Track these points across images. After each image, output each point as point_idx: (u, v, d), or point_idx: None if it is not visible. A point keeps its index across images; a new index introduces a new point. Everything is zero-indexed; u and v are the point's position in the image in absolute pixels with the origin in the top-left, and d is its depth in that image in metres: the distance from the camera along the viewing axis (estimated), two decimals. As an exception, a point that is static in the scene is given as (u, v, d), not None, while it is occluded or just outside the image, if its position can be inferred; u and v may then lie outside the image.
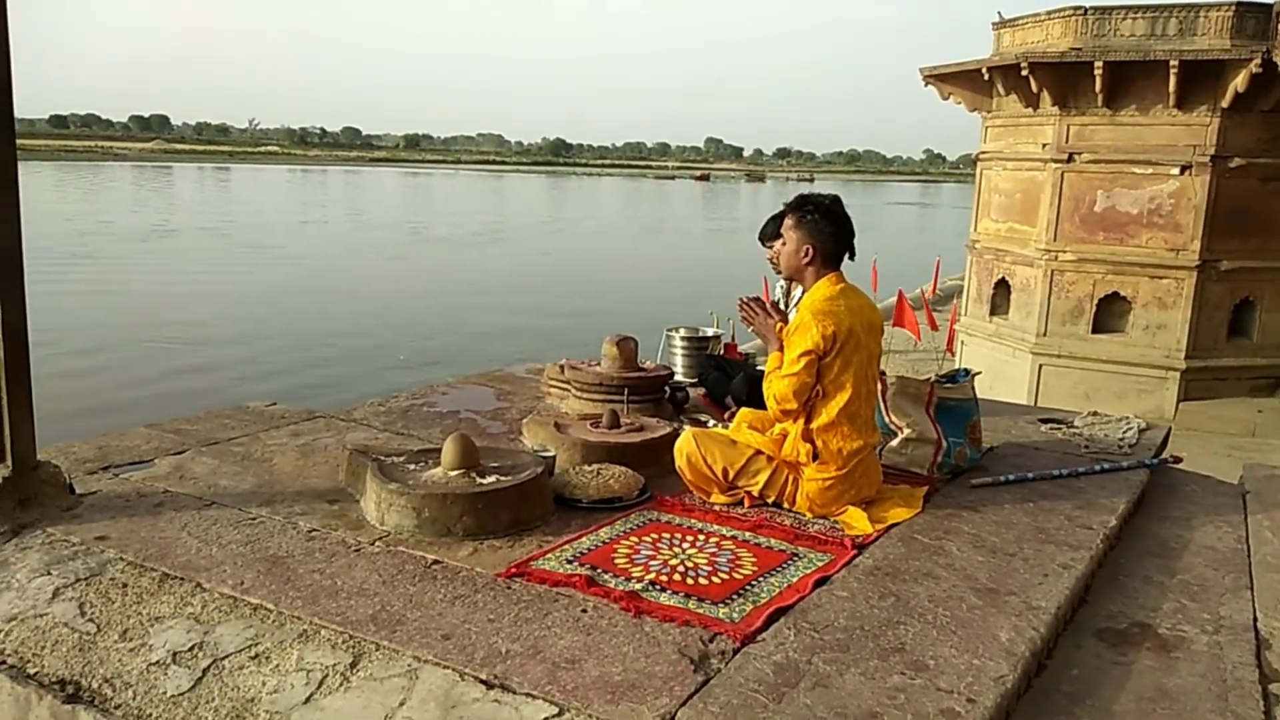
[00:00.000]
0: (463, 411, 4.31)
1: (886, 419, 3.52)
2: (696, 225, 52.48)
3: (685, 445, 3.21)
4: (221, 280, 24.84)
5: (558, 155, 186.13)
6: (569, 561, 2.61)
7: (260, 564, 2.53)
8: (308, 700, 2.00)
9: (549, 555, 2.65)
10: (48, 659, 2.25)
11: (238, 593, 2.37)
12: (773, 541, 2.83)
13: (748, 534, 2.88)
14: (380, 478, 2.89)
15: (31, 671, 2.23)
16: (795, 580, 2.54)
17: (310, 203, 57.51)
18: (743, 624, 2.27)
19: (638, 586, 2.45)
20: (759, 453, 3.15)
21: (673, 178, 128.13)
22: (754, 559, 2.68)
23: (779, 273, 4.12)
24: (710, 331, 5.33)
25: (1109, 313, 11.89)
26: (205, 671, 2.12)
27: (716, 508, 3.11)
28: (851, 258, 3.23)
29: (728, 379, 4.48)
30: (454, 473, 2.97)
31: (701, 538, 2.83)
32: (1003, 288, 12.98)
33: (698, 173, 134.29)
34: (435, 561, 2.59)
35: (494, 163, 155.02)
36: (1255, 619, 2.59)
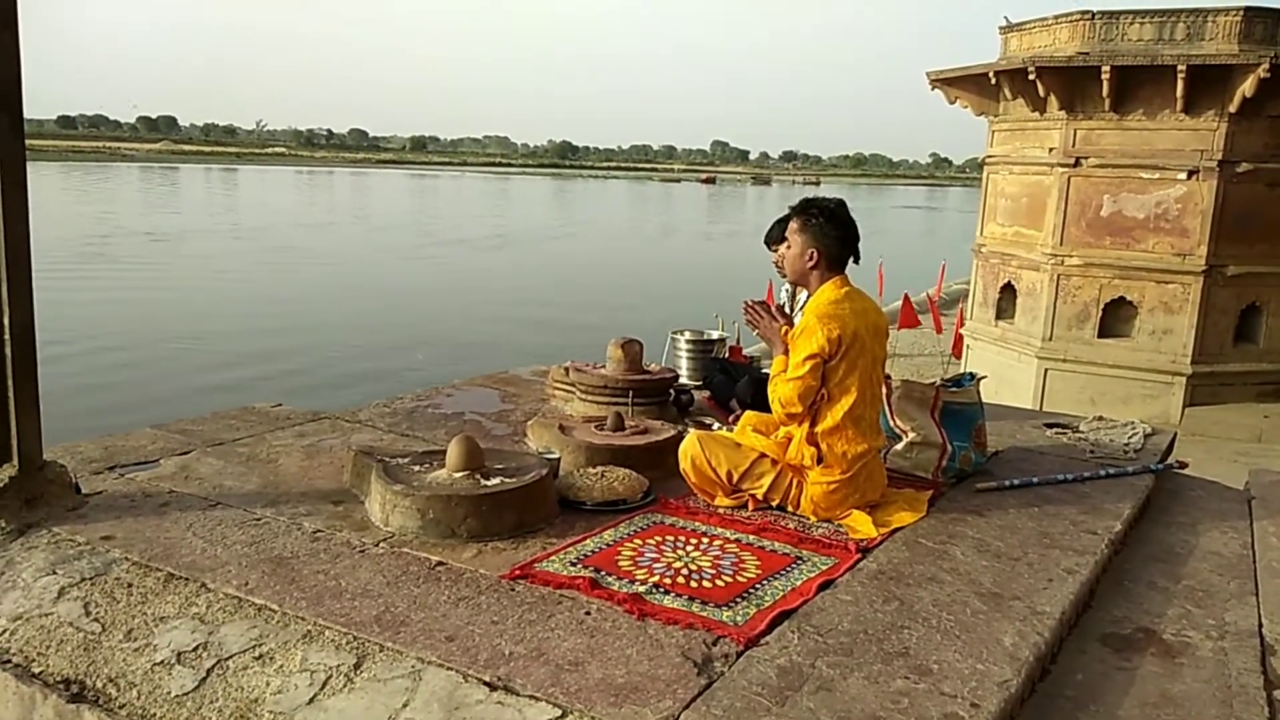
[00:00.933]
0: (467, 413, 4.31)
1: (891, 423, 3.52)
2: (702, 228, 52.48)
3: (690, 448, 3.21)
4: (239, 283, 24.89)
5: (564, 158, 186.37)
6: (573, 564, 2.61)
7: (265, 564, 2.54)
8: (311, 701, 2.00)
9: (553, 557, 2.65)
10: (52, 658, 2.26)
11: (242, 593, 2.38)
12: (777, 545, 2.83)
13: (752, 537, 2.88)
14: (385, 479, 2.89)
15: (36, 671, 2.24)
16: (799, 584, 2.54)
17: (322, 205, 57.60)
18: (746, 627, 2.27)
19: (641, 589, 2.45)
20: (763, 456, 3.15)
21: (678, 181, 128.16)
22: (758, 562, 2.68)
23: (784, 277, 4.13)
24: (715, 334, 5.33)
25: (1115, 317, 11.86)
26: (209, 672, 2.13)
27: (721, 511, 3.11)
28: (856, 261, 3.23)
29: (732, 382, 4.48)
30: (459, 474, 2.97)
31: (705, 540, 2.83)
32: (1008, 292, 12.95)
33: (703, 176, 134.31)
34: (439, 563, 2.59)
35: (500, 165, 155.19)
36: (1260, 625, 2.58)
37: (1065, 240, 11.90)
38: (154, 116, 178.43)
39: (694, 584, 2.50)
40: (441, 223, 46.02)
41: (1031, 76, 11.53)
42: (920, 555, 2.78)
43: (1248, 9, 10.74)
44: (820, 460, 3.07)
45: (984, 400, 3.75)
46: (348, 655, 2.13)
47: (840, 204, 3.23)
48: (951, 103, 13.49)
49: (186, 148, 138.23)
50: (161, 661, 2.18)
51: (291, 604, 2.32)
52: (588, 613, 2.32)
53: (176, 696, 2.08)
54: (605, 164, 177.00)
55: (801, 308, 3.80)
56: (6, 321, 2.79)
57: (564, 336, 17.67)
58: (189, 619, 2.31)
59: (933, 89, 13.56)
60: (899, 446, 3.50)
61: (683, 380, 4.80)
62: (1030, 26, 12.52)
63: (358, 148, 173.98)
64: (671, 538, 2.85)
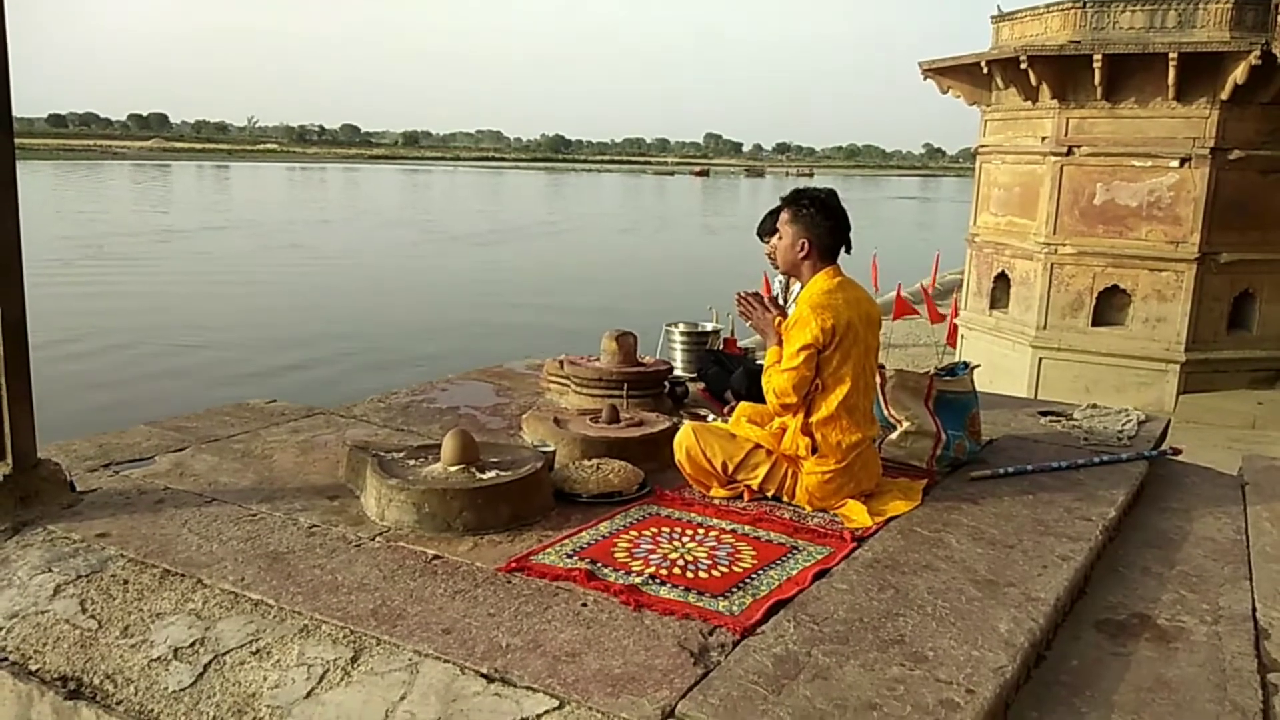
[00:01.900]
0: (462, 407, 4.31)
1: (886, 412, 3.52)
2: (695, 220, 52.43)
3: (685, 439, 3.21)
4: (239, 281, 24.85)
5: (557, 151, 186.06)
6: (569, 556, 2.62)
7: (261, 560, 2.54)
8: (309, 695, 2.01)
9: (549, 550, 2.66)
10: (49, 655, 2.26)
11: (239, 589, 2.38)
12: (772, 535, 2.84)
13: (747, 527, 2.89)
14: (380, 473, 2.89)
15: (33, 668, 2.24)
16: (795, 573, 2.55)
17: (319, 202, 57.41)
18: (742, 617, 2.27)
19: (637, 580, 2.45)
20: (758, 446, 3.15)
21: (672, 173, 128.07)
22: (754, 552, 2.69)
23: (777, 268, 4.13)
24: (709, 326, 5.33)
25: (1109, 305, 11.88)
26: (206, 667, 2.13)
27: (716, 501, 3.12)
28: (848, 251, 3.22)
29: (727, 373, 4.49)
30: (454, 468, 2.97)
31: (701, 531, 2.84)
32: (1002, 281, 12.98)
33: (697, 168, 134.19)
34: (435, 556, 2.60)
35: (493, 159, 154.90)
36: (1254, 609, 2.59)
37: (1058, 229, 11.92)
38: (145, 114, 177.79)
39: (690, 575, 2.51)
40: (435, 218, 45.92)
41: (1023, 65, 11.53)
42: (915, 543, 2.78)
43: (1238, -4, 10.75)
44: (815, 450, 3.08)
45: (978, 389, 3.75)
46: (345, 649, 2.13)
47: (831, 194, 3.23)
48: (944, 93, 13.49)
49: (178, 145, 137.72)
50: (158, 657, 2.18)
51: (288, 599, 2.32)
52: (584, 604, 2.33)
53: (174, 692, 2.08)
54: (599, 157, 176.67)
55: (795, 299, 3.80)
56: (-2, 318, 2.78)
57: (557, 329, 17.67)
58: (185, 615, 2.31)
59: (925, 79, 13.55)
60: (893, 436, 3.51)
61: (677, 372, 4.80)
62: (1022, 15, 12.51)
63: (350, 143, 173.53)
64: (667, 529, 2.85)
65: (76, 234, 31.67)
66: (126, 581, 2.46)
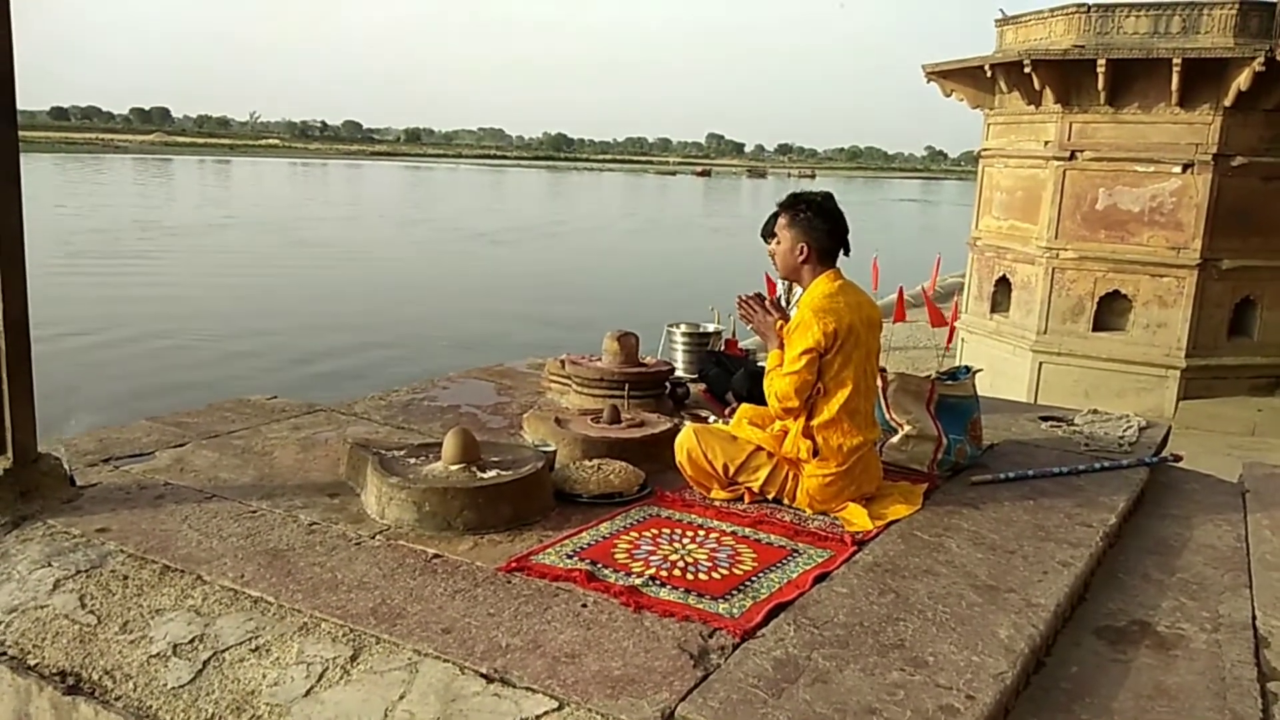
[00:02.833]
0: (463, 406, 4.31)
1: (887, 416, 3.52)
2: (697, 220, 52.43)
3: (686, 441, 3.21)
4: (245, 276, 24.85)
5: (559, 150, 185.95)
6: (569, 556, 2.61)
7: (261, 557, 2.53)
8: (308, 693, 2.01)
9: (549, 550, 2.65)
10: (48, 650, 2.26)
11: (238, 585, 2.38)
12: (773, 537, 2.84)
13: (748, 530, 2.89)
14: (381, 472, 2.89)
15: (32, 663, 2.24)
16: (795, 576, 2.54)
17: (323, 198, 57.41)
18: (742, 619, 2.27)
19: (638, 581, 2.45)
20: (759, 449, 3.15)
21: (674, 173, 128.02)
22: (754, 555, 2.68)
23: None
24: (711, 327, 5.32)
25: (1110, 311, 11.89)
26: (206, 664, 2.13)
27: (717, 503, 3.12)
28: (846, 253, 3.22)
29: (728, 375, 4.48)
30: (455, 467, 2.97)
31: (702, 533, 2.84)
32: (1004, 285, 12.98)
33: (699, 168, 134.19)
34: (436, 555, 2.59)
35: (495, 157, 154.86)
36: (1254, 617, 2.59)
37: (1060, 234, 11.92)
38: (147, 108, 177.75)
39: (690, 576, 2.51)
40: (435, 216, 45.83)
41: (1027, 69, 11.53)
42: (916, 548, 2.78)
43: (1243, 2, 10.75)
44: (816, 453, 3.07)
45: (979, 393, 3.75)
46: (344, 647, 2.13)
47: (827, 196, 3.23)
48: (947, 96, 13.49)
49: (180, 139, 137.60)
50: (158, 654, 2.18)
51: (288, 596, 2.32)
52: (584, 605, 2.32)
53: (173, 688, 2.08)
54: (600, 156, 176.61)
55: (796, 302, 3.80)
56: (0, 314, 2.78)
57: (559, 329, 17.66)
58: (185, 611, 2.31)
59: (928, 82, 13.56)
60: (894, 439, 3.51)
61: (679, 373, 4.80)
62: (1026, 19, 12.52)
63: (352, 140, 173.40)
64: (668, 530, 2.85)
65: (79, 228, 31.66)
66: (126, 577, 2.46)
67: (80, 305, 18.71)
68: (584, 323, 16.93)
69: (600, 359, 4.40)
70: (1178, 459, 3.95)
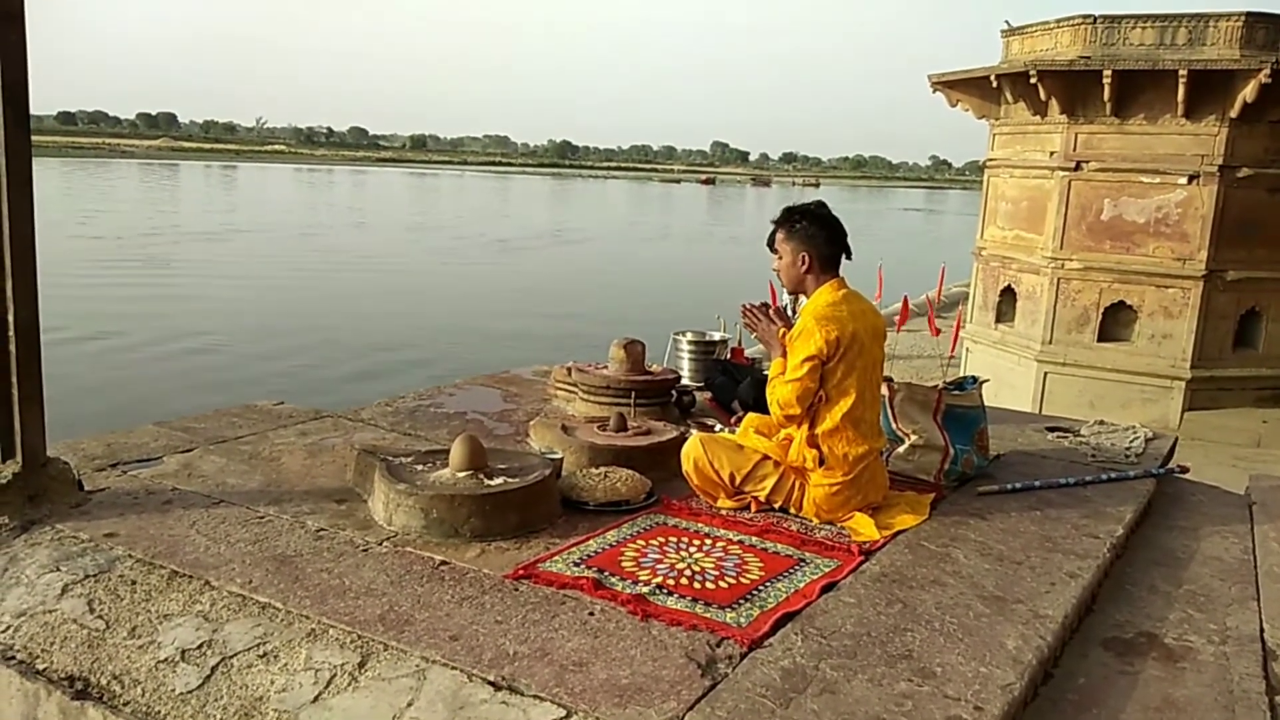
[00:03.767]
0: (469, 413, 4.31)
1: (894, 426, 3.52)
2: (702, 229, 52.47)
3: (692, 450, 3.21)
4: (266, 282, 24.91)
5: (563, 157, 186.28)
6: (576, 564, 2.62)
7: (268, 562, 2.54)
8: (316, 699, 2.01)
9: (556, 557, 2.66)
10: (56, 655, 2.26)
11: (246, 591, 2.38)
12: (779, 547, 2.84)
13: (754, 539, 2.89)
14: (388, 478, 2.90)
15: (40, 667, 2.25)
16: (802, 586, 2.54)
17: (334, 204, 57.47)
18: (750, 629, 2.27)
19: (645, 590, 2.45)
20: (766, 458, 3.15)
21: (678, 181, 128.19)
22: (761, 564, 2.68)
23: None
24: (717, 336, 5.33)
25: (1115, 321, 11.87)
26: (214, 669, 2.13)
27: (723, 512, 3.12)
28: (849, 257, 3.24)
29: (734, 383, 4.48)
30: (462, 474, 2.97)
31: (708, 542, 2.84)
32: (1009, 295, 12.97)
33: (703, 176, 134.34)
34: (443, 562, 2.60)
35: (500, 164, 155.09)
36: (1262, 630, 2.59)
37: (1065, 244, 11.91)
38: (154, 113, 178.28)
39: (697, 585, 2.51)
40: (445, 223, 45.85)
41: (1033, 80, 11.54)
42: (923, 558, 2.78)
43: (1249, 14, 10.76)
44: (822, 462, 3.08)
45: (985, 404, 3.75)
46: (352, 654, 2.13)
47: (821, 204, 3.26)
48: (953, 105, 13.51)
49: (186, 145, 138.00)
50: (166, 659, 2.18)
51: (295, 602, 2.32)
52: (591, 613, 2.33)
53: (181, 694, 2.09)
54: (605, 164, 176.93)
55: (800, 311, 3.80)
56: (11, 319, 2.79)
57: (565, 337, 17.68)
58: (193, 616, 2.31)
59: (934, 92, 13.57)
60: (901, 449, 3.51)
61: (684, 381, 4.80)
62: (1032, 30, 12.53)
63: (358, 146, 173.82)
64: (674, 539, 2.85)
65: (85, 233, 31.74)
66: (134, 582, 2.46)
67: (89, 310, 18.73)
68: (590, 330, 16.95)
69: (607, 367, 4.40)
70: (1184, 470, 3.94)
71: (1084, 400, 11.59)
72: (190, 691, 2.09)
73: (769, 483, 3.12)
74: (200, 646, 2.20)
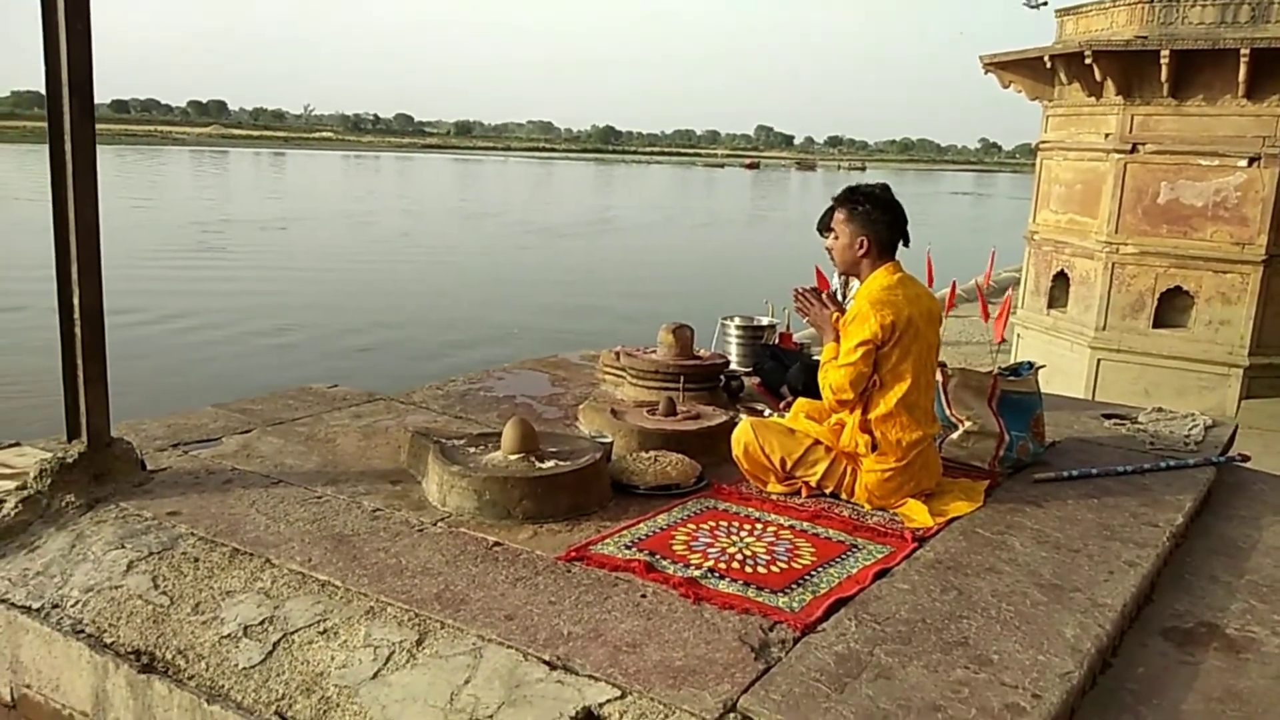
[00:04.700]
0: (519, 396, 4.34)
1: (947, 412, 3.48)
2: (748, 214, 52.18)
3: (743, 434, 3.20)
4: (335, 267, 25.23)
5: (606, 143, 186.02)
6: (627, 547, 2.63)
7: (327, 541, 2.58)
8: (375, 676, 2.04)
9: (607, 540, 2.67)
10: (123, 629, 2.32)
11: (306, 569, 2.42)
12: (831, 532, 2.83)
13: (806, 524, 2.88)
14: (442, 460, 2.93)
15: (108, 641, 2.31)
16: (855, 571, 2.53)
17: (389, 191, 57.91)
18: (803, 613, 2.26)
19: (696, 573, 2.46)
20: (817, 443, 3.13)
21: (722, 166, 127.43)
22: (813, 549, 2.68)
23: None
24: (765, 321, 5.31)
25: (1171, 307, 11.61)
26: (275, 645, 2.18)
27: (774, 497, 3.11)
28: (906, 244, 3.20)
29: (783, 369, 4.47)
30: (513, 457, 3.00)
31: (759, 527, 2.83)
32: (1061, 280, 12.74)
33: (747, 161, 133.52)
34: (496, 543, 2.62)
35: (543, 150, 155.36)
36: (1328, 622, 2.53)
37: (1120, 228, 11.67)
38: (204, 101, 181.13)
39: (749, 569, 2.51)
40: (498, 210, 45.93)
41: (1088, 61, 11.29)
42: (978, 545, 2.75)
43: (1315, -10, 10.44)
44: (875, 448, 3.05)
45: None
46: (410, 631, 2.16)
47: (885, 188, 3.21)
48: (1005, 87, 13.27)
49: (236, 132, 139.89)
50: (229, 635, 2.23)
51: (354, 580, 2.36)
52: (643, 595, 2.34)
53: (244, 669, 2.13)
54: (648, 149, 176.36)
55: (853, 295, 3.77)
56: (76, 302, 2.86)
57: (612, 321, 17.70)
58: (254, 593, 2.36)
59: (986, 73, 13.34)
60: (955, 436, 3.47)
61: (733, 366, 4.79)
62: (1087, 9, 12.26)
63: (403, 132, 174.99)
64: (725, 523, 2.85)
65: (148, 220, 32.35)
66: (197, 559, 2.52)
67: (148, 295, 19.10)
68: (636, 315, 16.96)
69: (655, 351, 4.40)
70: (1245, 459, 3.86)
71: (1138, 388, 11.37)
72: (253, 666, 2.14)
73: (820, 468, 3.11)
74: (262, 623, 2.25)
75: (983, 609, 2.34)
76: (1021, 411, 3.48)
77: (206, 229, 32.29)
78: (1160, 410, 4.41)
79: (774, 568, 2.53)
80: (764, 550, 2.64)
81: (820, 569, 2.54)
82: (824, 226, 4.30)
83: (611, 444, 3.39)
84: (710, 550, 2.62)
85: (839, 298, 4.28)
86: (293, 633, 2.20)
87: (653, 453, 3.27)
